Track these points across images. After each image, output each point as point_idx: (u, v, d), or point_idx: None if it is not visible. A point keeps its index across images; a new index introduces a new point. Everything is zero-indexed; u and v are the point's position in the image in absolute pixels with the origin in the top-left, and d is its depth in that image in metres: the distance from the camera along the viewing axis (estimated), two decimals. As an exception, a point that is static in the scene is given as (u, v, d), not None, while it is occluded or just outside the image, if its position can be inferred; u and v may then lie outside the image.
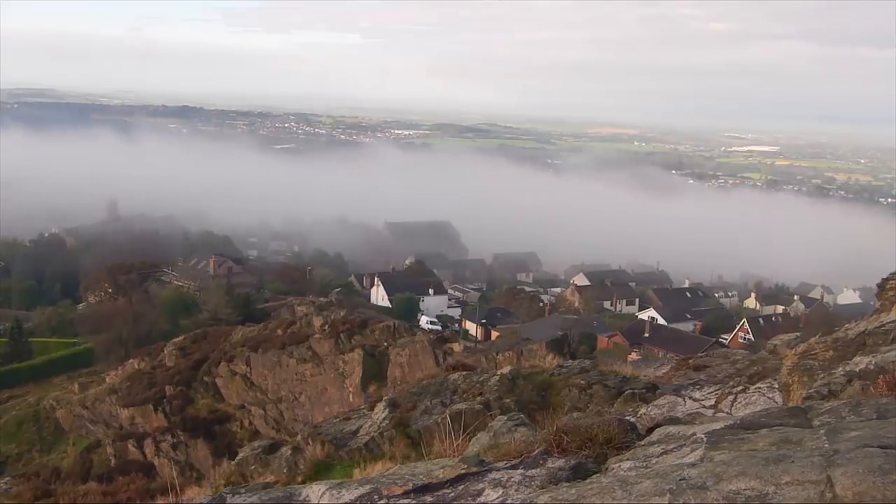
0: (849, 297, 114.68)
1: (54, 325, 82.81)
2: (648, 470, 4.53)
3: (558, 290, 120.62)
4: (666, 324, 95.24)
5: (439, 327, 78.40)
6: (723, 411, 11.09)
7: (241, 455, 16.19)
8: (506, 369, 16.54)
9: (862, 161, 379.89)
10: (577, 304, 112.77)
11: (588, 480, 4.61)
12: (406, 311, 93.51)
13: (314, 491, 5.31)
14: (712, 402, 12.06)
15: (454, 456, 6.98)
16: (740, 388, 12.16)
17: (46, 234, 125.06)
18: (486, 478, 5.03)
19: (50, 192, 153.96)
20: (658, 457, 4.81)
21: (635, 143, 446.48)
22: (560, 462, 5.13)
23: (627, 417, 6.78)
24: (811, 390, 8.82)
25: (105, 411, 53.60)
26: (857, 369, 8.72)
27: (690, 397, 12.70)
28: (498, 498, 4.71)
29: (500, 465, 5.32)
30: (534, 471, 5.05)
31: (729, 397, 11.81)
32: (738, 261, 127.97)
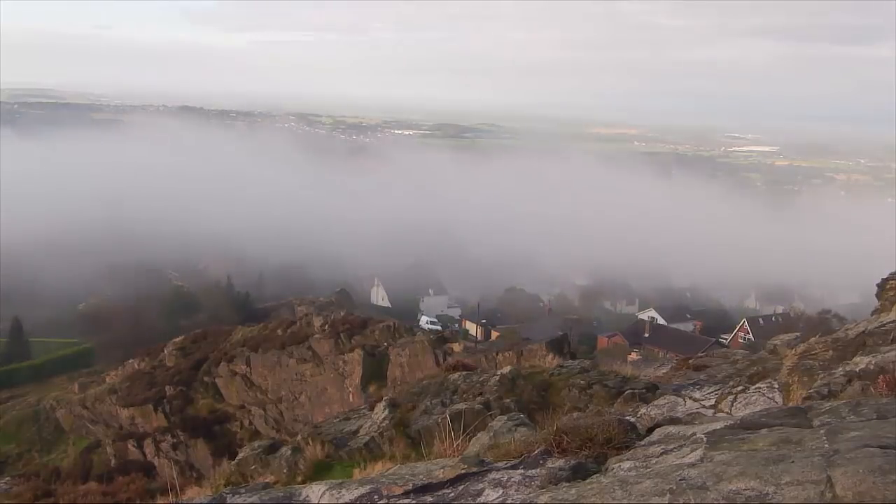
0: (849, 297, 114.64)
1: (54, 325, 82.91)
2: (648, 470, 4.53)
3: (558, 290, 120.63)
4: (666, 324, 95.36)
5: (439, 327, 78.40)
6: (723, 411, 11.09)
7: (241, 455, 16.18)
8: (506, 369, 16.54)
9: (862, 161, 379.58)
10: (576, 305, 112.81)
11: (588, 480, 4.61)
12: (406, 311, 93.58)
13: (314, 491, 5.32)
14: (712, 402, 12.05)
15: (454, 456, 6.98)
16: (740, 388, 12.15)
17: (47, 235, 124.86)
18: (486, 478, 5.04)
19: (50, 192, 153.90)
20: (658, 457, 4.81)
21: (635, 143, 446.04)
22: (560, 462, 5.13)
23: (627, 417, 6.78)
24: (811, 390, 8.82)
25: (105, 411, 53.61)
26: (857, 369, 8.73)
27: (690, 397, 12.70)
28: (498, 498, 4.71)
29: (500, 465, 5.32)
30: (534, 471, 5.05)
31: (729, 397, 11.81)
32: (738, 261, 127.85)
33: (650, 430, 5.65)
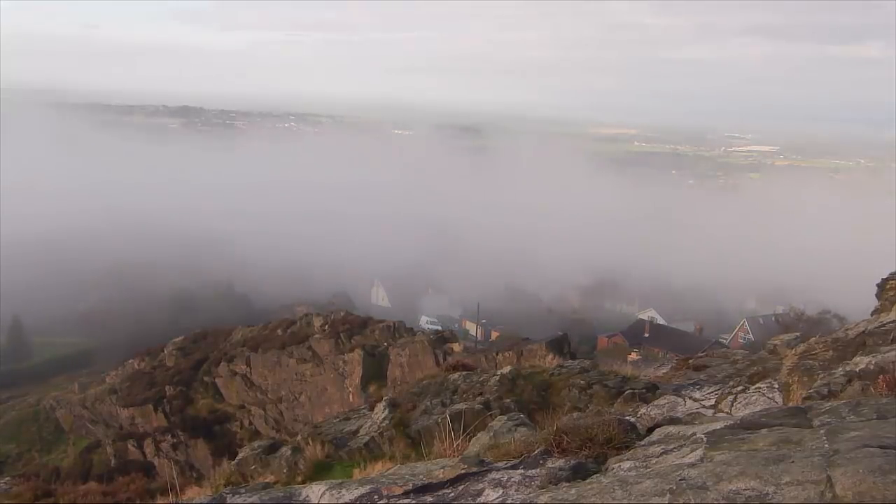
0: (849, 297, 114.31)
1: (54, 325, 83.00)
2: (648, 470, 4.53)
3: (558, 290, 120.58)
4: (666, 324, 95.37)
5: (439, 327, 78.40)
6: (723, 411, 11.09)
7: (241, 455, 16.17)
8: (506, 369, 16.53)
9: (862, 161, 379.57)
10: (576, 305, 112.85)
11: (588, 480, 4.61)
12: (406, 311, 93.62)
13: (314, 491, 5.32)
14: (712, 402, 12.06)
15: (454, 456, 6.98)
16: (740, 388, 12.16)
17: (47, 234, 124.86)
18: (486, 478, 5.04)
19: (51, 191, 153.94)
20: (658, 457, 4.81)
21: (635, 143, 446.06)
22: (560, 462, 5.13)
23: (627, 417, 6.78)
24: (811, 390, 8.82)
25: (105, 411, 53.63)
26: (857, 369, 8.73)
27: (690, 397, 12.70)
28: (498, 498, 4.71)
29: (500, 465, 5.32)
30: (534, 471, 5.05)
31: (729, 397, 11.81)
32: (738, 261, 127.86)
33: (650, 430, 5.65)
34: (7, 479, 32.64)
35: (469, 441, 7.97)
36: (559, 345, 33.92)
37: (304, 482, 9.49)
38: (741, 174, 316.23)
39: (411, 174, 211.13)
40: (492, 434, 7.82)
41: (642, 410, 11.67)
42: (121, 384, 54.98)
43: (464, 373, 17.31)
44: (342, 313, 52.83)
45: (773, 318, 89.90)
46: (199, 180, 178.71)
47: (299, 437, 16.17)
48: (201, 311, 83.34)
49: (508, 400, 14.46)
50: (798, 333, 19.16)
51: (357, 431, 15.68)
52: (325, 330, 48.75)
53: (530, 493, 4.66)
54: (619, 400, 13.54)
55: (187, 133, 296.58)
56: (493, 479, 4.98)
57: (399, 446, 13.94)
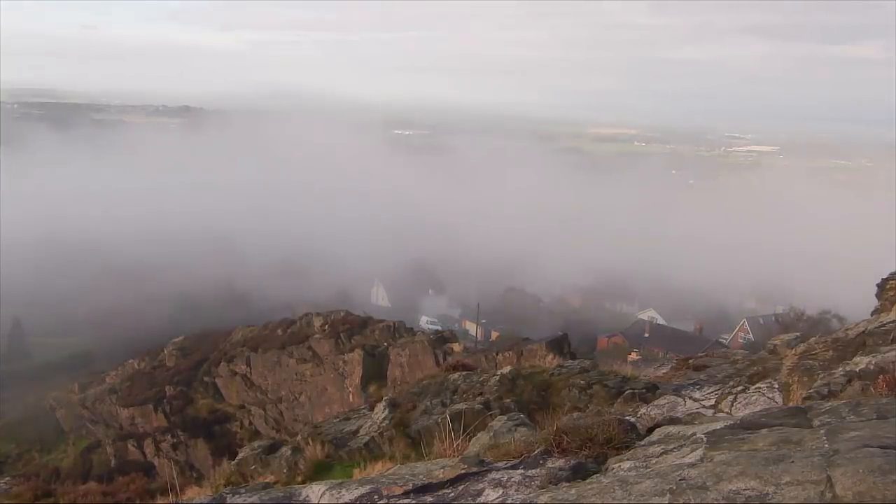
0: (849, 297, 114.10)
1: (54, 325, 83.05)
2: (648, 470, 4.53)
3: (558, 290, 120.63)
4: (666, 324, 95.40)
5: (439, 327, 78.37)
6: (723, 411, 11.10)
7: (241, 455, 16.18)
8: (506, 369, 16.53)
9: (862, 161, 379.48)
10: (576, 305, 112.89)
11: (588, 480, 4.61)
12: (406, 311, 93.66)
13: (314, 491, 5.32)
14: (712, 402, 12.06)
15: (454, 456, 6.98)
16: (740, 388, 12.17)
17: (47, 235, 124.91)
18: (486, 478, 5.03)
19: (51, 192, 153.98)
20: (658, 457, 4.81)
21: (635, 143, 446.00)
22: (560, 462, 5.13)
23: (627, 417, 6.78)
24: (811, 390, 8.82)
25: (105, 411, 53.64)
26: (857, 369, 8.73)
27: (690, 397, 12.71)
28: (498, 498, 4.71)
29: (500, 465, 5.32)
30: (534, 471, 5.05)
31: (729, 397, 11.82)
32: (738, 260, 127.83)
33: (650, 430, 5.65)
34: (7, 479, 32.64)
35: (469, 441, 7.97)
36: (559, 345, 33.86)
37: (304, 482, 9.49)
38: (741, 174, 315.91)
39: (411, 174, 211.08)
40: (492, 434, 7.82)
41: (642, 410, 11.67)
42: (121, 384, 55.00)
43: (464, 373, 17.31)
44: (342, 313, 52.81)
45: (773, 318, 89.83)
46: (199, 180, 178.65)
47: (299, 437, 16.17)
48: (201, 311, 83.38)
49: (508, 400, 14.47)
50: (798, 333, 19.15)
51: (357, 431, 15.68)
52: (325, 330, 48.74)
53: (530, 493, 4.66)
54: (619, 400, 13.54)
55: (187, 133, 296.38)
56: (493, 479, 4.98)
57: (399, 446, 13.94)
